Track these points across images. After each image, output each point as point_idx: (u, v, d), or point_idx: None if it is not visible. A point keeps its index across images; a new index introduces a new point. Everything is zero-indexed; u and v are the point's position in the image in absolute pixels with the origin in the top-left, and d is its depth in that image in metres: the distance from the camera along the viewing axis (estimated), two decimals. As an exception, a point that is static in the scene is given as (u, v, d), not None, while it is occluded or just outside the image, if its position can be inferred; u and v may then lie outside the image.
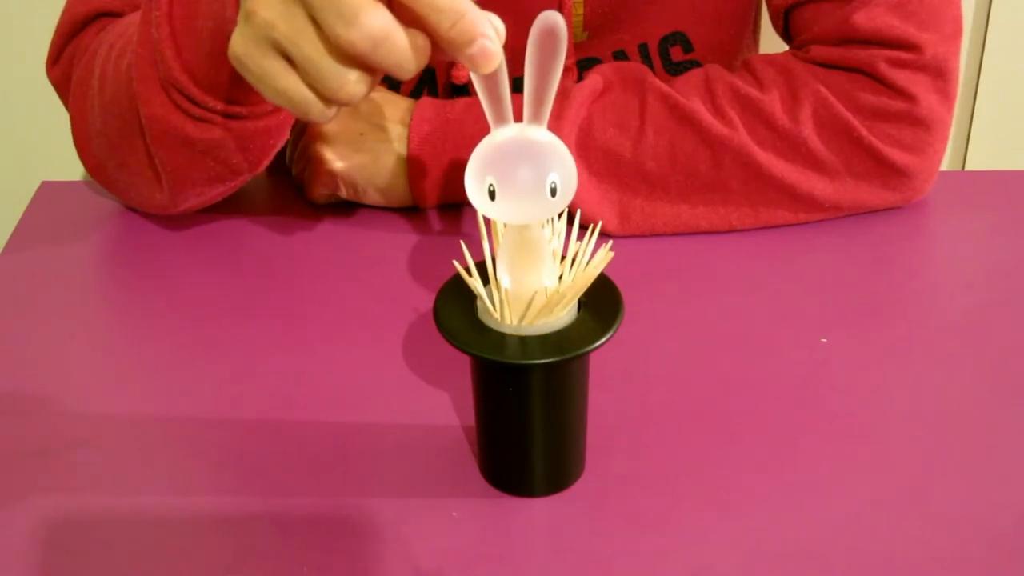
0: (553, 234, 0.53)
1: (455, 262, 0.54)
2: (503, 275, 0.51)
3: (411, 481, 0.57)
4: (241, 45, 0.51)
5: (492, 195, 0.49)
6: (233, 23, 0.56)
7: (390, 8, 0.48)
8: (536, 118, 0.49)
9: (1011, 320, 0.67)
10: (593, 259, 0.52)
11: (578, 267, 0.53)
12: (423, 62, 0.49)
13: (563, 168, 0.49)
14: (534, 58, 0.47)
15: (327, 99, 0.51)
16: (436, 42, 0.49)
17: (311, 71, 0.50)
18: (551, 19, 0.46)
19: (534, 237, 0.51)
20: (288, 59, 0.51)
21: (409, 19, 0.48)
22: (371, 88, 0.51)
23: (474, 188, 0.49)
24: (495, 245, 0.53)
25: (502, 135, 0.49)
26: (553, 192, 0.48)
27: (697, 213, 0.74)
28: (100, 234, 0.78)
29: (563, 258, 0.53)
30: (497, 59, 0.47)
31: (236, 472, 0.58)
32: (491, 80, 0.48)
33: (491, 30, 0.47)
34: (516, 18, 0.79)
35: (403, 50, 0.48)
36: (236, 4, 0.56)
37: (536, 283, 0.51)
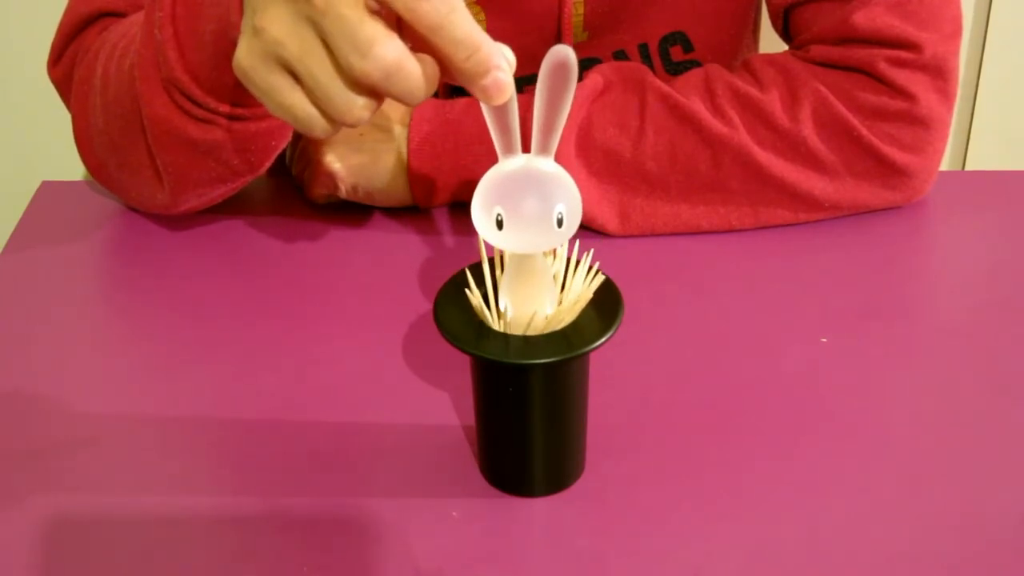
0: (555, 259, 0.54)
1: (467, 270, 0.54)
2: (504, 301, 0.52)
3: (411, 481, 0.57)
4: (247, 59, 0.51)
5: (500, 225, 0.49)
6: (236, 28, 0.56)
7: (401, 31, 0.48)
8: (544, 149, 0.49)
9: (1011, 320, 0.67)
10: (586, 283, 0.53)
11: (568, 293, 0.53)
12: (432, 90, 0.49)
13: (569, 199, 0.49)
14: (544, 90, 0.48)
15: (332, 119, 0.51)
16: (445, 68, 0.48)
17: (319, 93, 0.50)
18: (562, 53, 0.46)
19: (537, 266, 0.51)
20: (294, 75, 0.50)
21: (420, 44, 0.48)
22: (376, 110, 0.51)
23: (481, 217, 0.50)
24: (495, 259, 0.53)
25: (510, 165, 0.50)
26: (559, 223, 0.49)
27: (697, 213, 0.74)
28: (100, 234, 0.78)
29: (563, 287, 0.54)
30: (509, 91, 0.48)
31: (236, 472, 0.58)
32: (501, 111, 0.48)
33: (504, 62, 0.48)
34: (516, 19, 0.79)
35: (415, 80, 0.48)
36: (240, 8, 0.56)
37: (537, 310, 0.52)
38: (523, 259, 0.51)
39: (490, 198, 0.49)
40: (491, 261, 0.54)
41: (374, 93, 0.50)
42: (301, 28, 0.49)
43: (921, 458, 0.58)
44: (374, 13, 0.48)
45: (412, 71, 0.48)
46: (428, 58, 0.49)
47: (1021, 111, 1.45)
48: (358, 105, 0.50)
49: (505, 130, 0.49)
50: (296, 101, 0.51)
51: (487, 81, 0.48)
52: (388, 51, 0.47)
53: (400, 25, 0.48)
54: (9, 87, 1.41)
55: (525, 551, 0.53)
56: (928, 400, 0.62)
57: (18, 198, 0.87)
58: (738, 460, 0.58)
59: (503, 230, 0.49)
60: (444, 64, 0.48)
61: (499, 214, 0.49)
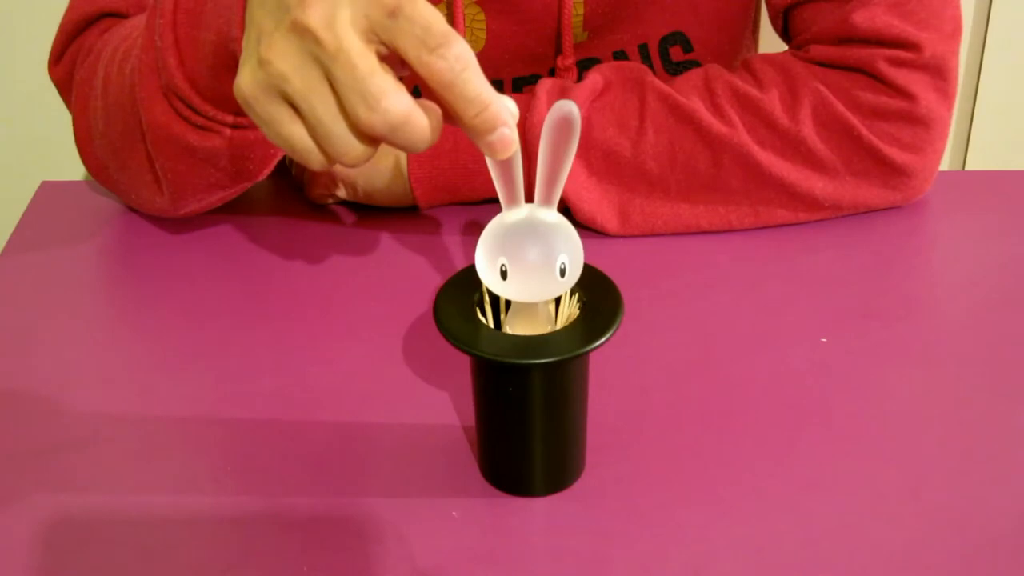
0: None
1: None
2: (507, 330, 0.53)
3: (411, 481, 0.57)
4: (249, 88, 0.50)
5: (504, 275, 0.50)
6: (237, 41, 0.56)
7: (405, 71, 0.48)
8: (547, 200, 0.51)
9: (1011, 320, 0.67)
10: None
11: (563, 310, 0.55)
12: (436, 139, 0.49)
13: (572, 249, 0.51)
14: (548, 143, 0.49)
15: (329, 157, 0.51)
16: (449, 115, 0.49)
17: (320, 131, 0.49)
18: (566, 108, 0.48)
19: (539, 310, 0.52)
20: (296, 109, 0.50)
21: (426, 90, 0.48)
22: (374, 154, 0.51)
23: (486, 268, 0.51)
24: None
25: (513, 216, 0.51)
26: (562, 273, 0.50)
27: (697, 212, 0.74)
28: (100, 234, 0.78)
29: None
30: (514, 147, 0.48)
31: (236, 472, 0.58)
32: (505, 163, 0.49)
33: (511, 118, 0.48)
34: (516, 19, 0.79)
35: (420, 132, 0.48)
36: (241, 23, 0.55)
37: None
38: (527, 304, 0.52)
39: (494, 249, 0.51)
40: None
41: (376, 140, 0.50)
42: (308, 66, 0.48)
43: (921, 458, 0.58)
44: (382, 58, 0.48)
45: (418, 124, 0.48)
46: (434, 108, 0.49)
47: (1021, 111, 1.45)
48: (358, 149, 0.49)
49: (509, 182, 0.50)
50: (295, 133, 0.50)
51: (493, 137, 0.48)
52: (396, 105, 0.47)
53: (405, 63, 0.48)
54: (9, 87, 1.41)
55: (525, 551, 0.53)
56: (928, 400, 0.62)
57: (18, 198, 0.87)
58: (738, 460, 0.58)
59: (507, 280, 0.50)
60: (449, 113, 0.49)
61: (503, 265, 0.50)
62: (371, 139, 0.49)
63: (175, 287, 0.72)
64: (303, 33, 0.48)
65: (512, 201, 0.51)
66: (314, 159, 0.51)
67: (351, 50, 0.47)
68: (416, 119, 0.48)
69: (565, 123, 0.48)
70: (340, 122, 0.49)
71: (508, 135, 0.48)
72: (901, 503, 0.55)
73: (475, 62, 0.48)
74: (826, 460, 0.57)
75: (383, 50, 0.48)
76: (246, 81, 0.50)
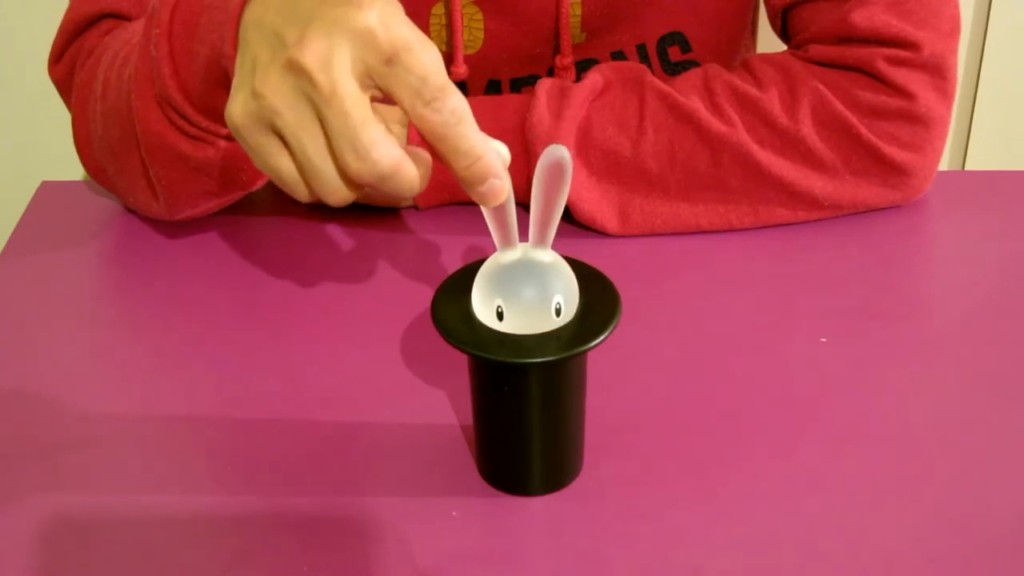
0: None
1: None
2: None
3: (411, 481, 0.57)
4: (241, 117, 0.50)
5: (500, 316, 0.51)
6: (229, 58, 0.56)
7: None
8: (541, 240, 0.51)
9: (1011, 320, 0.67)
10: None
11: None
12: (424, 187, 0.50)
13: (567, 288, 0.52)
14: (541, 186, 0.50)
15: (314, 193, 0.51)
16: (439, 159, 0.49)
17: (308, 169, 0.49)
18: (557, 153, 0.48)
19: None
20: (286, 143, 0.50)
21: (417, 138, 0.48)
22: (359, 194, 0.51)
23: (482, 308, 0.51)
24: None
25: (508, 257, 0.51)
26: (558, 312, 0.51)
27: (697, 212, 0.74)
28: (100, 234, 0.78)
29: None
30: (504, 196, 0.49)
31: (236, 472, 0.58)
32: (499, 208, 0.50)
33: (502, 166, 0.49)
34: (514, 19, 0.79)
35: (408, 183, 0.49)
36: (234, 41, 0.55)
37: None
38: None
39: (489, 290, 0.51)
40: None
41: (362, 185, 0.50)
42: (301, 105, 0.48)
43: (920, 458, 0.58)
44: (375, 100, 0.48)
45: (406, 175, 0.48)
46: (423, 157, 0.49)
47: (1021, 111, 1.45)
48: (343, 191, 0.50)
49: (502, 225, 0.51)
50: (284, 165, 0.50)
51: (483, 188, 0.49)
52: (386, 156, 0.47)
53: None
54: (9, 87, 1.41)
55: (525, 551, 0.53)
56: (928, 400, 0.62)
57: (18, 198, 0.87)
58: (737, 460, 0.58)
59: (503, 320, 0.51)
60: (439, 159, 0.49)
61: (499, 306, 0.51)
62: (357, 184, 0.49)
63: (175, 287, 0.72)
64: (299, 72, 0.48)
65: (506, 243, 0.52)
66: (300, 192, 0.51)
67: (345, 96, 0.47)
68: (404, 170, 0.48)
69: (556, 168, 0.49)
70: (328, 163, 0.49)
71: (498, 185, 0.49)
72: (901, 503, 0.55)
73: (470, 114, 0.48)
74: (826, 460, 0.57)
75: (378, 94, 0.48)
76: (238, 111, 0.50)
